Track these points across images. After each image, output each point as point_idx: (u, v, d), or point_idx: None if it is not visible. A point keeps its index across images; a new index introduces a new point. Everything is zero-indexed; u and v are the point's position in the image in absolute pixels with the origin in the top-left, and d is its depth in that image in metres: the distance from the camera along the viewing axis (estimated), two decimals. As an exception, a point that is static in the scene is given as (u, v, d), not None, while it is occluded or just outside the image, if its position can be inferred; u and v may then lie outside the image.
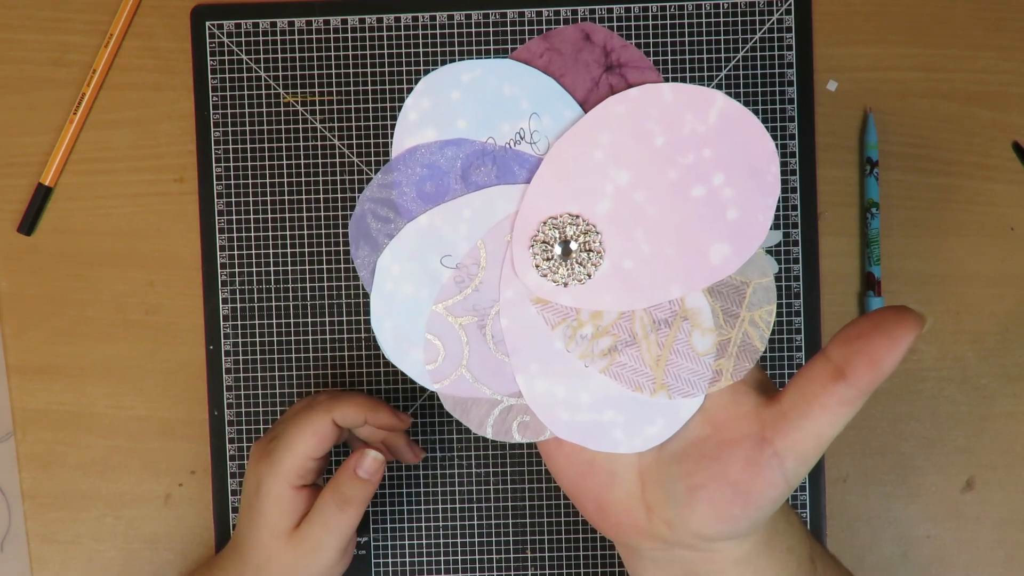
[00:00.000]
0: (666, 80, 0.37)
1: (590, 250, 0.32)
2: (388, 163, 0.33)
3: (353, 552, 0.53)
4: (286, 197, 0.58)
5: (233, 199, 0.58)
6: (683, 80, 0.58)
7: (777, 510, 0.32)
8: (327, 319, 0.58)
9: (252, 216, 0.58)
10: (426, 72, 0.58)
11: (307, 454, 0.49)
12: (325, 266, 0.58)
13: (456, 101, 0.32)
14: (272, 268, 0.58)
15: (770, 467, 0.30)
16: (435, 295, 0.33)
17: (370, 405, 0.51)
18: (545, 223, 0.32)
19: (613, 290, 0.32)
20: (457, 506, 0.58)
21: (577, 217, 0.32)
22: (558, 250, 0.32)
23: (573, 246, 0.32)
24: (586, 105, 0.32)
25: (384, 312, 0.33)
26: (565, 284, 0.32)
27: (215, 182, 0.58)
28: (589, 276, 0.32)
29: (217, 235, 0.58)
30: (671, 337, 0.32)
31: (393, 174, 0.33)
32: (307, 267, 0.58)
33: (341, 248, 0.58)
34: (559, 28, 0.32)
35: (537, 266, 0.32)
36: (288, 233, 0.58)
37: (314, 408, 0.50)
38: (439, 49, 0.58)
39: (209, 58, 0.58)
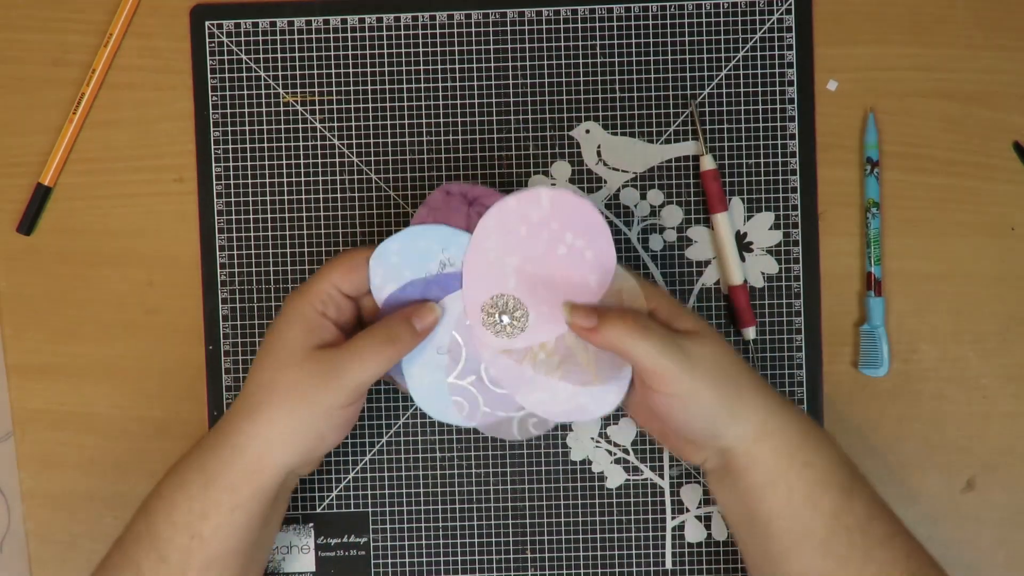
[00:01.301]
0: (665, 79, 0.58)
1: (519, 310, 0.50)
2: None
3: (355, 421, 0.51)
4: (286, 197, 0.58)
5: (233, 199, 0.58)
6: (683, 80, 0.58)
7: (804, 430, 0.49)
8: (327, 319, 0.58)
9: (252, 216, 0.58)
10: (426, 72, 0.58)
11: (334, 281, 0.49)
12: (325, 266, 0.58)
13: (396, 263, 0.50)
14: (272, 268, 0.58)
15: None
16: (445, 374, 0.51)
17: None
18: (483, 309, 0.50)
19: (542, 327, 0.50)
20: (457, 506, 0.58)
21: (501, 295, 0.50)
22: (505, 320, 0.50)
23: (506, 319, 0.50)
24: (471, 231, 0.50)
25: (423, 397, 0.51)
26: (513, 337, 0.50)
27: (215, 182, 0.58)
28: (524, 328, 0.50)
29: (217, 235, 0.58)
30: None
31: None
32: (307, 267, 0.58)
33: (341, 248, 0.58)
34: (430, 195, 0.50)
35: (496, 334, 0.50)
36: (288, 233, 0.58)
37: (352, 248, 0.51)
38: (439, 49, 0.58)
39: (209, 58, 0.58)
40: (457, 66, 0.58)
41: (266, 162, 0.58)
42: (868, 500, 0.49)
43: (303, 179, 0.58)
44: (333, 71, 0.58)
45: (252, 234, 0.58)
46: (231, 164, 0.58)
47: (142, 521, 0.50)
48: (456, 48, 0.58)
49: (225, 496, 0.48)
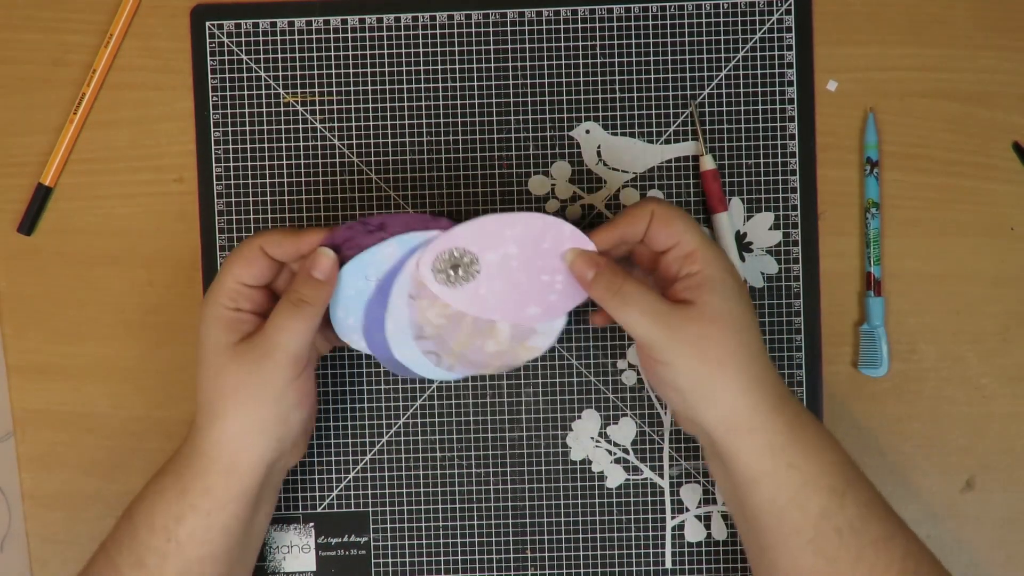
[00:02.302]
0: (665, 79, 0.58)
1: (473, 264, 0.50)
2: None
3: (315, 396, 0.52)
4: (286, 197, 0.58)
5: (233, 199, 0.58)
6: (683, 80, 0.58)
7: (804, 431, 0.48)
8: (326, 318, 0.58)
9: (252, 216, 0.58)
10: (426, 72, 0.58)
11: (236, 276, 0.50)
12: (325, 266, 0.58)
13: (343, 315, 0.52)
14: (272, 268, 0.58)
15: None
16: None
17: (292, 230, 0.51)
18: (438, 257, 0.50)
19: (490, 294, 0.51)
20: (457, 506, 0.58)
21: (459, 249, 0.50)
22: (457, 272, 0.50)
23: (459, 271, 0.50)
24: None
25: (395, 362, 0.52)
26: (458, 286, 0.51)
27: (215, 182, 0.58)
28: (470, 279, 0.50)
29: (217, 235, 0.58)
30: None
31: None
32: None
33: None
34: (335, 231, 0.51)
35: (443, 282, 0.50)
36: (288, 233, 0.58)
37: (244, 240, 0.51)
38: (439, 49, 0.58)
39: (209, 58, 0.58)
40: (457, 66, 0.58)
41: (266, 162, 0.58)
42: (864, 502, 0.48)
43: (303, 179, 0.58)
44: (333, 71, 0.58)
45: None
46: (231, 164, 0.58)
47: (124, 526, 0.51)
48: (456, 48, 0.58)
49: (201, 500, 0.49)
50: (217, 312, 0.50)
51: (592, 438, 0.58)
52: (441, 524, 0.58)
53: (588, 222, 0.58)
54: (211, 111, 0.58)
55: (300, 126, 0.58)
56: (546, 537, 0.58)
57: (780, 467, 0.47)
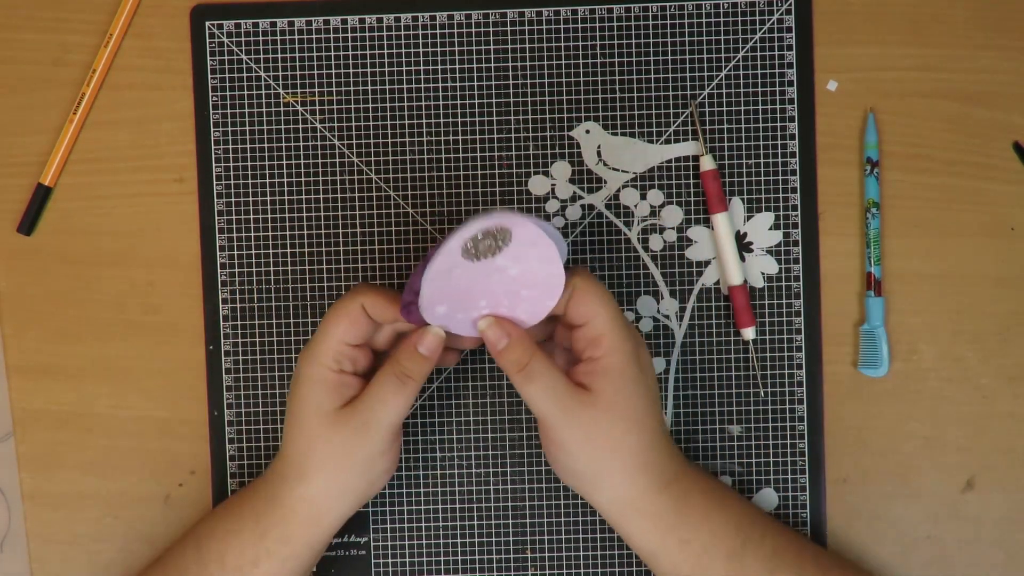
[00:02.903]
0: (665, 79, 0.58)
1: (504, 236, 0.48)
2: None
3: (400, 456, 0.54)
4: (286, 197, 0.58)
5: (233, 199, 0.58)
6: (683, 80, 0.58)
7: (695, 499, 0.50)
8: (327, 319, 0.58)
9: (252, 216, 0.58)
10: (426, 72, 0.58)
11: (339, 338, 0.50)
12: (325, 266, 0.58)
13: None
14: (272, 268, 0.58)
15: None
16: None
17: (393, 294, 0.51)
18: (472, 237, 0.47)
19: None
20: (457, 506, 0.58)
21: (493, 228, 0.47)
22: (487, 242, 0.48)
23: (489, 242, 0.47)
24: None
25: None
26: (485, 257, 0.48)
27: (215, 182, 0.58)
28: (499, 250, 0.48)
29: (217, 235, 0.58)
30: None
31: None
32: (307, 267, 0.58)
33: (341, 248, 0.58)
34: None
35: (469, 249, 0.48)
36: (288, 233, 0.58)
37: (344, 296, 0.51)
38: (439, 49, 0.58)
39: (209, 58, 0.58)
40: (457, 66, 0.58)
41: (266, 162, 0.58)
42: (767, 554, 0.50)
43: (303, 179, 0.58)
44: (333, 71, 0.58)
45: (252, 234, 0.58)
46: (231, 164, 0.58)
47: (192, 554, 0.52)
48: (456, 48, 0.58)
49: (279, 547, 0.51)
50: (321, 374, 0.50)
51: (592, 438, 0.58)
52: (441, 524, 0.58)
53: (588, 222, 0.58)
54: (211, 111, 0.58)
55: (300, 126, 0.58)
56: (546, 537, 0.58)
57: (672, 544, 0.50)
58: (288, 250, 0.58)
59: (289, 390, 0.52)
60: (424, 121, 0.58)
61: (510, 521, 0.58)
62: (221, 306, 0.58)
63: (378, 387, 0.50)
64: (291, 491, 0.51)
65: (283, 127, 0.58)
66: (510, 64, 0.58)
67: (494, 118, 0.58)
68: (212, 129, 0.58)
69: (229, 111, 0.58)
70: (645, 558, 0.51)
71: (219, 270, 0.58)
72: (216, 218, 0.58)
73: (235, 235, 0.58)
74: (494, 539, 0.58)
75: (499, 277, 0.49)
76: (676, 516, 0.50)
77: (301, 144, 0.58)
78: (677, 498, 0.50)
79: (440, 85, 0.58)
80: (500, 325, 0.49)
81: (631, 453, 0.49)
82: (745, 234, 0.58)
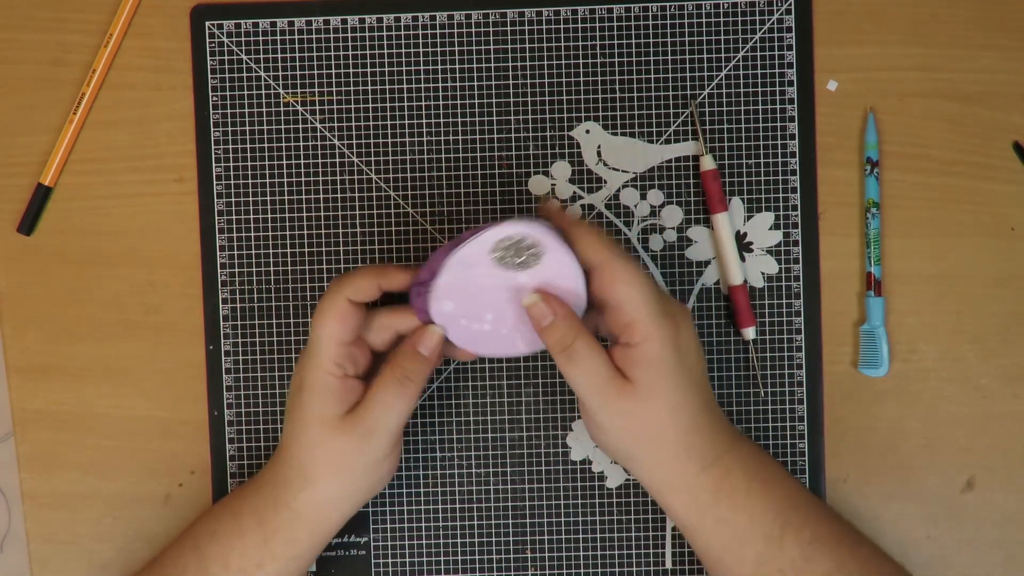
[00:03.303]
0: (665, 79, 0.58)
1: (535, 248, 0.48)
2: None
3: (401, 455, 0.54)
4: (286, 197, 0.58)
5: (233, 199, 0.58)
6: (683, 80, 0.58)
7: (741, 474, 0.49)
8: (327, 319, 0.58)
9: (252, 216, 0.58)
10: (426, 72, 0.58)
11: (334, 337, 0.49)
12: (325, 266, 0.58)
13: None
14: (272, 268, 0.58)
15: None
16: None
17: (376, 270, 0.50)
18: (499, 244, 0.48)
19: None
20: (457, 506, 0.58)
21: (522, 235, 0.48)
22: (519, 258, 0.49)
23: (522, 256, 0.48)
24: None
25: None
26: (517, 268, 0.49)
27: (215, 182, 0.58)
28: (531, 264, 0.48)
29: (217, 235, 0.58)
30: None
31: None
32: (307, 267, 0.58)
33: (341, 248, 0.58)
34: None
35: (500, 261, 0.49)
36: (288, 233, 0.58)
37: (325, 295, 0.50)
38: (439, 49, 0.58)
39: (209, 58, 0.58)
40: (457, 66, 0.58)
41: (266, 162, 0.58)
42: (807, 540, 0.49)
43: (303, 179, 0.58)
44: (333, 71, 0.58)
45: (252, 234, 0.58)
46: (231, 164, 0.58)
47: (192, 554, 0.52)
48: (456, 48, 0.58)
49: (284, 548, 0.51)
50: (324, 380, 0.50)
51: (592, 438, 0.58)
52: (441, 524, 0.58)
53: (587, 222, 0.58)
54: (211, 111, 0.58)
55: (300, 126, 0.58)
56: (546, 537, 0.58)
57: (708, 522, 0.49)
58: (288, 250, 0.58)
59: (289, 394, 0.52)
60: (424, 121, 0.58)
61: (510, 521, 0.58)
62: (221, 306, 0.58)
63: (380, 392, 0.49)
64: (295, 496, 0.51)
65: (283, 127, 0.58)
66: (510, 64, 0.58)
67: (494, 118, 0.58)
68: (212, 129, 0.58)
69: (229, 111, 0.58)
70: (682, 530, 0.51)
71: (219, 270, 0.58)
72: (216, 218, 0.58)
73: (235, 235, 0.58)
74: (494, 539, 0.58)
75: (514, 296, 0.49)
76: (715, 496, 0.49)
77: (301, 144, 0.58)
78: (719, 478, 0.49)
79: (440, 85, 0.58)
80: (547, 302, 0.48)
81: (671, 440, 0.49)
82: (745, 234, 0.58)
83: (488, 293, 0.49)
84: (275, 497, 0.51)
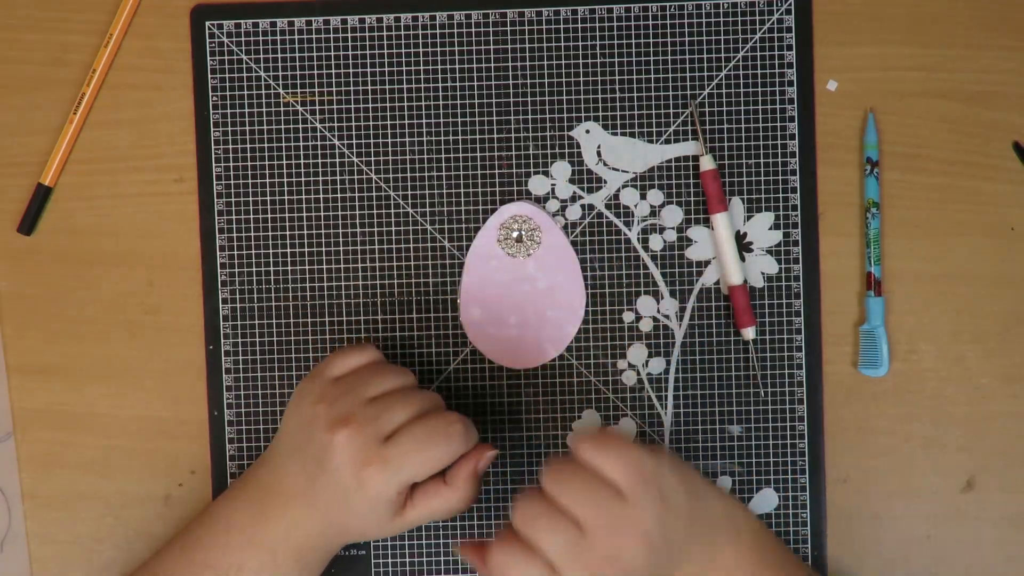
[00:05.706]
0: (665, 79, 0.58)
1: (535, 232, 0.55)
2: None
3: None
4: (286, 197, 0.58)
5: (233, 199, 0.58)
6: (683, 80, 0.57)
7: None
8: (327, 319, 0.58)
9: (252, 216, 0.58)
10: (426, 72, 0.58)
11: (433, 469, 0.50)
12: (325, 266, 0.58)
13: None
14: (272, 268, 0.58)
15: None
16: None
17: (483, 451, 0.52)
18: (504, 224, 0.56)
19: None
20: (457, 506, 0.58)
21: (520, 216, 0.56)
22: (517, 234, 0.55)
23: (523, 234, 0.55)
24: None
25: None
26: (518, 254, 0.55)
27: (215, 182, 0.58)
28: (529, 252, 0.55)
29: (217, 235, 0.58)
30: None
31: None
32: (307, 267, 0.58)
33: (341, 248, 0.58)
34: None
35: (504, 246, 0.55)
36: (288, 233, 0.58)
37: (453, 438, 0.50)
38: (439, 49, 0.58)
39: (209, 58, 0.58)
40: (457, 66, 0.58)
41: (266, 162, 0.58)
42: None
43: (303, 179, 0.58)
44: (333, 71, 0.58)
45: (252, 234, 0.58)
46: (231, 164, 0.58)
47: (180, 556, 0.52)
48: (456, 48, 0.58)
49: (265, 556, 0.51)
50: (397, 497, 0.50)
51: (592, 438, 0.58)
52: (441, 524, 0.58)
53: (588, 222, 0.58)
54: (211, 111, 0.58)
55: (300, 126, 0.58)
56: (546, 537, 0.58)
57: None
58: (288, 250, 0.58)
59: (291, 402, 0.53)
60: (424, 121, 0.58)
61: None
62: (221, 306, 0.58)
63: (433, 498, 0.51)
64: (293, 506, 0.51)
65: (283, 127, 0.58)
66: (510, 64, 0.58)
67: (494, 118, 0.58)
68: (212, 129, 0.58)
69: (229, 111, 0.58)
70: None
71: (219, 270, 0.58)
72: (216, 218, 0.58)
73: (235, 235, 0.58)
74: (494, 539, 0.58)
75: (530, 288, 0.53)
76: None
77: (301, 144, 0.58)
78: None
79: (440, 85, 0.58)
80: (471, 552, 0.50)
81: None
82: (745, 234, 0.58)
83: (506, 290, 0.53)
84: (272, 502, 0.51)
